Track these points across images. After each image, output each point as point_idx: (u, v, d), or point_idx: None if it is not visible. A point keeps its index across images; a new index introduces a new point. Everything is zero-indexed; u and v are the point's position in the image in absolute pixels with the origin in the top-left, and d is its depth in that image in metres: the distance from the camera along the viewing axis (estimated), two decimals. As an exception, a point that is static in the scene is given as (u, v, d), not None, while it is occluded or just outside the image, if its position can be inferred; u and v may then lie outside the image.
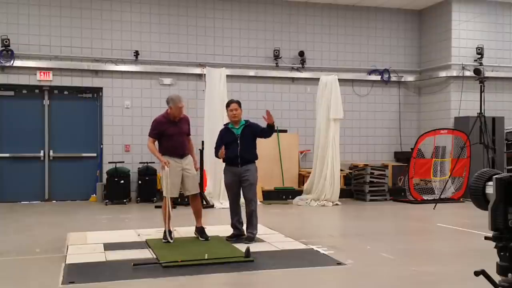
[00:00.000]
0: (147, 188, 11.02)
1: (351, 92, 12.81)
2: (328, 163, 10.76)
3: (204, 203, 9.79)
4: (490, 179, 2.45)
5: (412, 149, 11.59)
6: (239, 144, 6.69)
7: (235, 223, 6.85)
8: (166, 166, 6.46)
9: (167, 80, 11.61)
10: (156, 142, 6.67)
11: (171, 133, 6.58)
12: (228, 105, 6.97)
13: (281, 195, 11.33)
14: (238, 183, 6.74)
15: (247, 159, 6.68)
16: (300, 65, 12.39)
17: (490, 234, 2.48)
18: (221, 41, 11.99)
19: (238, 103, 6.90)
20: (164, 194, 6.64)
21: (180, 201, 9.30)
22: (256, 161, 6.79)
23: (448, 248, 6.73)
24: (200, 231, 6.76)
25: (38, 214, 9.53)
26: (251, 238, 6.61)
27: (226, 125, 7.02)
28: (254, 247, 5.97)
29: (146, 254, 5.88)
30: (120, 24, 11.40)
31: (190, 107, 10.98)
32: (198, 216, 6.79)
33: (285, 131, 11.98)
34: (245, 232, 6.77)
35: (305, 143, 12.25)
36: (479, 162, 10.86)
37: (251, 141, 6.73)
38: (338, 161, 10.92)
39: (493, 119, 11.87)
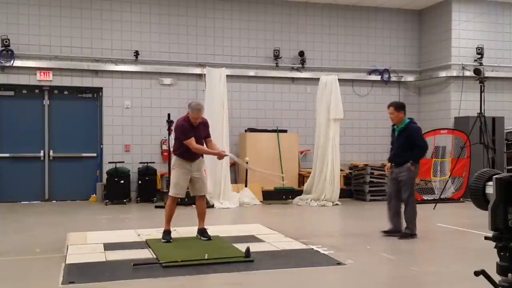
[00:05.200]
0: (147, 188, 11.02)
1: (351, 92, 12.81)
2: (328, 163, 10.76)
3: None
4: (490, 179, 2.45)
5: (412, 149, 11.57)
6: (395, 145, 7.08)
7: (390, 217, 7.13)
8: (223, 155, 6.79)
9: (167, 80, 11.61)
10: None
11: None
12: None
13: (281, 195, 11.33)
14: (394, 181, 7.09)
15: (398, 162, 6.99)
16: (300, 65, 12.39)
17: (490, 234, 2.48)
18: (221, 41, 11.99)
19: (394, 106, 7.10)
20: (170, 193, 6.70)
21: (180, 201, 9.29)
22: (410, 162, 6.90)
23: (448, 248, 6.73)
24: (202, 231, 6.77)
25: (38, 214, 9.53)
26: (403, 235, 6.91)
27: (393, 124, 7.30)
28: (254, 247, 5.97)
29: (146, 254, 5.88)
30: (120, 24, 11.40)
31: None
32: (201, 218, 6.81)
33: (285, 131, 11.99)
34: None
35: (305, 143, 12.25)
36: (479, 162, 10.85)
37: (404, 143, 6.94)
38: (338, 161, 10.92)
39: (493, 119, 11.87)
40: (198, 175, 6.69)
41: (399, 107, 7.09)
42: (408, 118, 7.15)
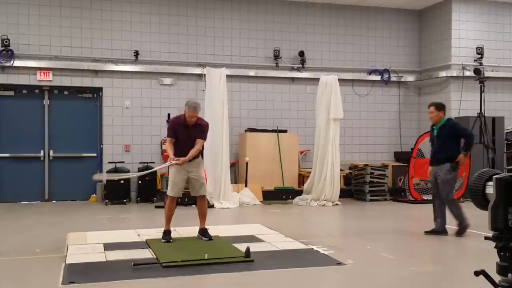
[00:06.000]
0: (147, 188, 11.02)
1: (351, 92, 12.81)
2: (328, 163, 10.76)
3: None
4: (490, 179, 2.45)
5: (412, 149, 11.59)
6: (436, 143, 7.18)
7: (434, 217, 7.29)
8: (173, 162, 6.44)
9: (167, 80, 11.61)
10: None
11: (180, 138, 6.58)
12: None
13: (281, 195, 11.33)
14: (434, 182, 7.23)
15: (438, 158, 7.10)
16: (300, 65, 12.39)
17: (490, 234, 2.48)
18: (221, 41, 11.99)
19: (435, 105, 7.24)
20: (168, 193, 6.69)
21: (180, 200, 9.30)
22: (451, 161, 7.04)
23: (448, 248, 6.73)
24: (203, 231, 6.76)
25: (38, 214, 9.53)
26: (459, 232, 7.06)
27: (432, 125, 7.45)
28: (254, 247, 5.96)
29: (146, 254, 5.88)
30: (120, 24, 11.40)
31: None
32: (202, 218, 6.79)
33: (285, 131, 11.99)
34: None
35: (305, 143, 12.24)
36: (479, 162, 10.86)
37: (445, 138, 7.07)
38: (338, 161, 10.92)
39: (493, 119, 11.86)
40: (195, 175, 6.65)
41: (440, 107, 7.24)
42: (447, 118, 7.31)
